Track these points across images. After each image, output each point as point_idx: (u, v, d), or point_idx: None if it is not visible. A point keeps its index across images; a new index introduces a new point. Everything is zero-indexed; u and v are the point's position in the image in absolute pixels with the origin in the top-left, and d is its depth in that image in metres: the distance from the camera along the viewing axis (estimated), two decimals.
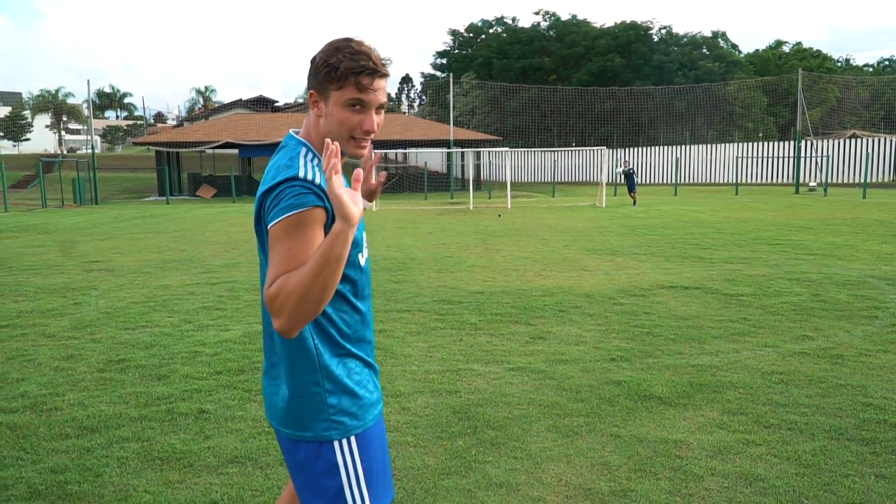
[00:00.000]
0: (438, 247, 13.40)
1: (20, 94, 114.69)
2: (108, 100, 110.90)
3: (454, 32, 69.45)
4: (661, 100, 52.26)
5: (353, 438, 1.79)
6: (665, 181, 45.46)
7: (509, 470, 3.48)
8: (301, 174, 1.66)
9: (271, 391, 1.85)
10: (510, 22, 67.80)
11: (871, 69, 79.05)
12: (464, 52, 68.68)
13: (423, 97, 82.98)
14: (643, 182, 45.41)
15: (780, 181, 42.29)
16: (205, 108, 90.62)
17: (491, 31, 68.14)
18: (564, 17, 65.40)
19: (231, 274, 10.20)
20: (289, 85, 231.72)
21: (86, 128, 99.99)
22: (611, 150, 41.74)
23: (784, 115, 55.28)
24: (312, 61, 1.76)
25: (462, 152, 42.34)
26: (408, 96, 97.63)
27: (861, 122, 52.93)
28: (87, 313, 7.49)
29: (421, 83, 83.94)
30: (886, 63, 79.90)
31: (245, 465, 3.57)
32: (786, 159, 41.79)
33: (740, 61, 64.38)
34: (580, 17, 65.01)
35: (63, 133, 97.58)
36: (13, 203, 30.93)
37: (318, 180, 1.67)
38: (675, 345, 5.86)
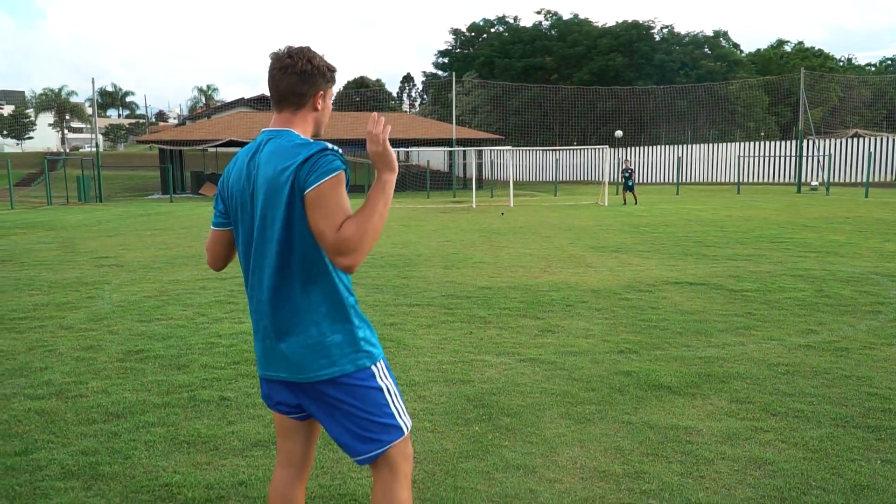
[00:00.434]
0: (443, 244, 13.51)
1: (23, 92, 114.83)
2: (110, 98, 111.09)
3: (456, 31, 69.58)
4: (663, 99, 52.37)
5: (380, 363, 2.16)
6: (667, 180, 45.54)
7: (525, 454, 3.60)
8: (329, 146, 2.02)
9: (299, 347, 2.08)
10: (512, 21, 67.93)
11: (873, 69, 79.11)
12: (465, 51, 68.78)
13: (425, 96, 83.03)
14: (645, 181, 45.52)
15: (782, 180, 42.37)
16: (207, 106, 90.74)
17: (493, 30, 68.25)
18: (566, 16, 65.59)
19: (240, 269, 10.30)
20: None
21: (88, 126, 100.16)
22: (613, 150, 41.81)
23: (786, 114, 55.38)
24: (315, 66, 2.13)
25: (464, 151, 42.45)
26: (409, 95, 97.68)
27: (863, 122, 53.04)
28: (101, 307, 7.61)
29: (422, 82, 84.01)
30: (889, 63, 79.95)
31: (269, 448, 3.68)
32: (788, 158, 41.87)
33: (742, 61, 64.44)
34: (582, 17, 65.38)
35: (66, 131, 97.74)
36: (19, 200, 31.06)
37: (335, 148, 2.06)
38: (682, 338, 5.97)
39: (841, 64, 74.09)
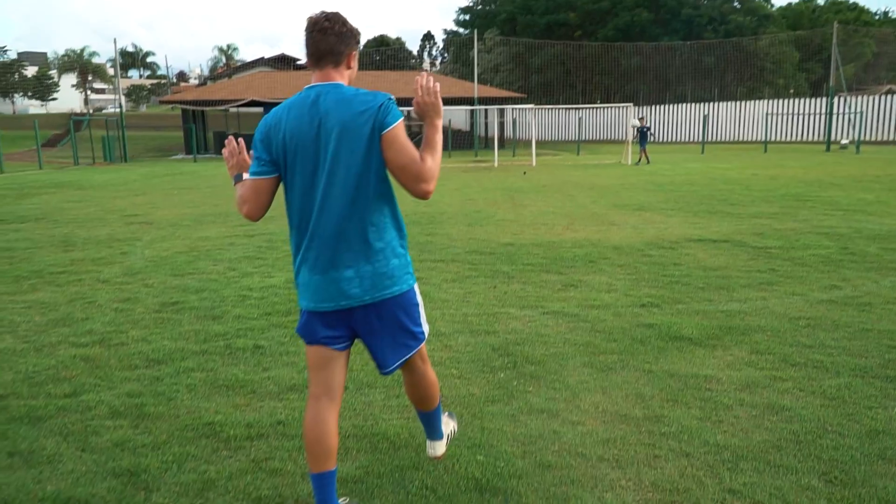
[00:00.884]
0: (466, 202, 13.58)
1: (45, 53, 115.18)
2: (131, 59, 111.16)
3: None
4: (690, 56, 51.33)
5: (416, 283, 2.60)
6: (692, 139, 44.92)
7: (549, 399, 3.73)
8: (391, 96, 2.38)
9: (368, 271, 2.41)
10: None
11: None
12: (487, 7, 67.58)
13: (446, 54, 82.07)
14: (670, 140, 44.95)
15: (810, 139, 41.57)
16: (227, 66, 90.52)
17: None
18: None
19: (267, 226, 10.49)
20: None
21: (111, 87, 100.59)
22: (637, 108, 41.24)
23: (816, 70, 54.06)
24: (348, 29, 2.43)
25: (486, 110, 42.12)
26: (430, 54, 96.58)
27: None
28: (135, 262, 7.83)
29: (443, 40, 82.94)
30: None
31: (303, 392, 3.85)
32: (817, 116, 40.98)
33: (772, 15, 62.68)
34: None
35: (89, 92, 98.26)
36: (46, 161, 31.52)
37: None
38: (704, 292, 6.05)
39: (877, 17, 71.79)
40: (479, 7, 68.45)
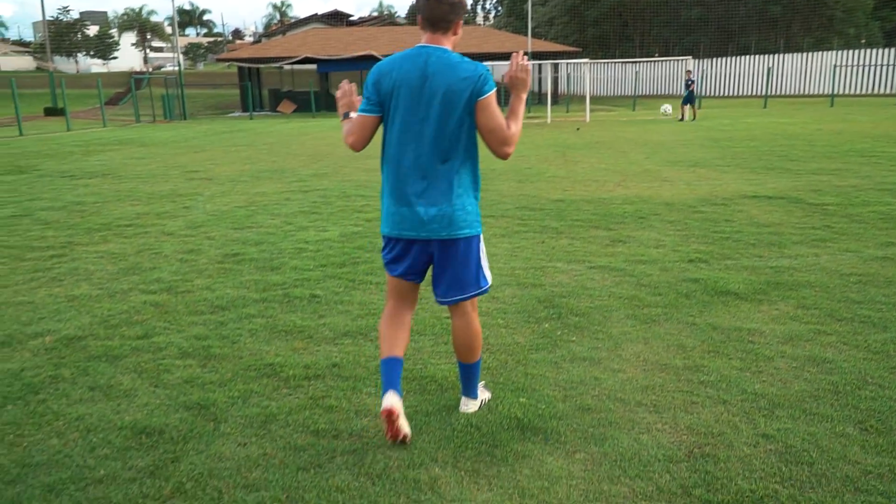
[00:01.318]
0: (517, 158, 13.57)
1: (105, 13, 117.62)
2: (187, 17, 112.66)
3: None
4: (754, 5, 49.18)
5: (482, 234, 2.97)
6: (755, 93, 43.38)
7: (591, 348, 3.86)
8: (488, 67, 2.92)
9: (451, 211, 2.79)
10: None
11: None
12: None
13: (499, 8, 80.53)
14: (731, 94, 43.50)
15: (882, 91, 39.69)
16: (281, 23, 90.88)
17: None
18: None
19: (321, 182, 10.76)
20: None
21: (168, 45, 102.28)
22: (697, 61, 39.92)
23: (892, 18, 51.17)
24: (460, 0, 2.77)
25: (539, 65, 41.41)
26: (483, 7, 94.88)
27: None
28: (197, 216, 8.18)
29: None
30: None
31: (357, 339, 4.07)
32: (890, 67, 39.01)
33: None
34: None
35: (147, 51, 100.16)
36: (109, 118, 32.53)
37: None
38: (754, 249, 6.02)
39: None
40: None
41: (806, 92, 43.12)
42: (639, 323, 4.24)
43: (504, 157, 2.81)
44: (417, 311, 4.26)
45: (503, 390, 3.34)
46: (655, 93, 47.90)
